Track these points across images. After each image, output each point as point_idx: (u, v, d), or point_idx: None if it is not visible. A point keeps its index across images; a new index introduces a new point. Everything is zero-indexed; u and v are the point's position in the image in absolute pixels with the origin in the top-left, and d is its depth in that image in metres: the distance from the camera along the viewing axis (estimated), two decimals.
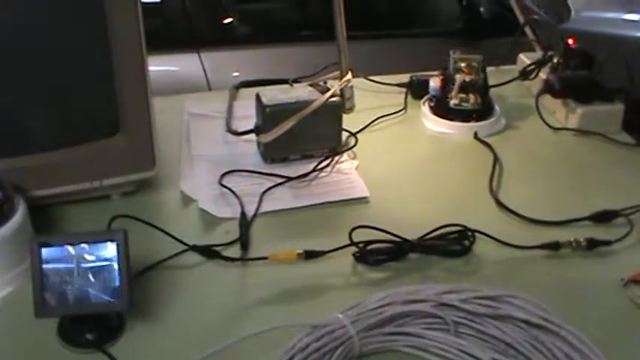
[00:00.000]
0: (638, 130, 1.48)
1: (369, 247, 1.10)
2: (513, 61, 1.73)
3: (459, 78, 1.47)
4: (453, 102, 1.49)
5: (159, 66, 2.51)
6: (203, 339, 0.95)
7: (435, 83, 1.52)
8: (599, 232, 1.15)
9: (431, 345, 0.92)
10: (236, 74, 2.53)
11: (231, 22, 2.85)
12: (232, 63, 2.66)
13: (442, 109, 1.51)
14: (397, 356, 0.93)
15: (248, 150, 1.39)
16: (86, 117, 1.16)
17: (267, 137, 1.32)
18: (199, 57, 2.64)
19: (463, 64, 1.48)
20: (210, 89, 2.53)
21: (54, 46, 1.08)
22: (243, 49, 2.73)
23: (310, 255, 1.09)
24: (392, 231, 1.11)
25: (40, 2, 1.06)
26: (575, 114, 1.47)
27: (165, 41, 2.52)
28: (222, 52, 2.71)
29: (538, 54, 1.67)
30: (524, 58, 1.68)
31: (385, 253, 1.10)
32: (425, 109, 1.54)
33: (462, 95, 1.48)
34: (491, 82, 1.52)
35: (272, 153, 1.35)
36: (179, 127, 1.48)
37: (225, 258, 1.11)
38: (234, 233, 1.16)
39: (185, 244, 1.11)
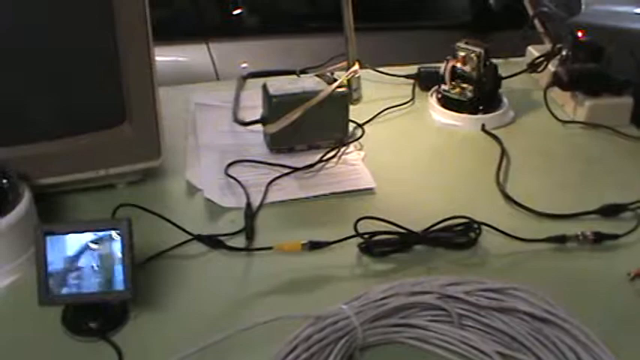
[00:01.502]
0: None
1: (375, 239, 1.10)
2: (522, 54, 1.72)
3: (449, 64, 1.48)
4: (442, 87, 1.51)
5: (167, 56, 2.51)
6: (206, 328, 0.95)
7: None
8: (607, 226, 1.15)
9: (435, 337, 0.92)
10: (244, 66, 2.53)
11: (240, 13, 2.84)
12: (240, 54, 2.65)
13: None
14: (401, 348, 0.93)
15: (254, 140, 1.38)
16: (92, 106, 1.16)
17: (274, 128, 1.31)
18: (208, 47, 2.63)
19: (462, 54, 1.47)
20: (218, 80, 2.52)
21: (61, 36, 1.08)
22: (251, 39, 2.73)
23: (315, 246, 1.09)
24: (397, 222, 1.11)
25: None
26: (583, 107, 1.46)
27: (173, 32, 2.52)
28: (230, 42, 2.71)
29: (547, 46, 1.66)
30: (533, 51, 1.68)
31: (390, 245, 1.10)
32: (432, 100, 1.53)
33: (453, 82, 1.49)
34: (500, 74, 1.52)
35: (278, 143, 1.35)
36: (186, 117, 1.48)
37: (230, 248, 1.10)
38: (240, 223, 1.16)
39: (190, 234, 1.11)
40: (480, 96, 1.48)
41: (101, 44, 1.11)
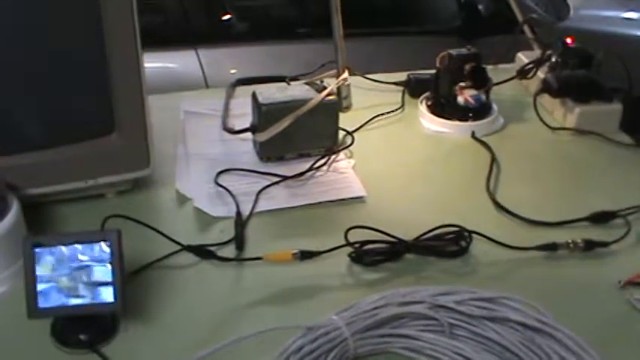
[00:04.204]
0: (636, 129, 1.47)
1: (365, 248, 1.10)
2: (512, 60, 1.72)
3: None
4: None
5: (157, 63, 2.51)
6: (197, 340, 0.95)
7: None
8: (597, 233, 1.15)
9: (426, 347, 0.92)
10: (233, 71, 2.53)
11: (229, 19, 2.84)
12: (230, 60, 2.65)
13: None
14: (392, 358, 0.93)
15: (244, 149, 1.38)
16: (81, 116, 1.15)
17: (263, 136, 1.31)
18: (197, 54, 2.63)
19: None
20: (207, 86, 2.52)
21: (49, 45, 1.08)
22: (240, 46, 2.73)
23: (305, 255, 1.08)
24: (388, 231, 1.11)
25: (35, 2, 1.05)
26: (573, 113, 1.46)
27: (163, 38, 2.51)
28: (219, 49, 2.70)
29: (536, 53, 1.66)
30: (523, 57, 1.68)
31: (381, 254, 1.10)
32: (422, 107, 1.53)
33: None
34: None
35: (268, 152, 1.34)
36: (175, 125, 1.47)
37: (219, 258, 1.10)
38: (230, 232, 1.15)
39: (179, 244, 1.11)
40: (438, 99, 1.51)
41: (89, 53, 1.11)
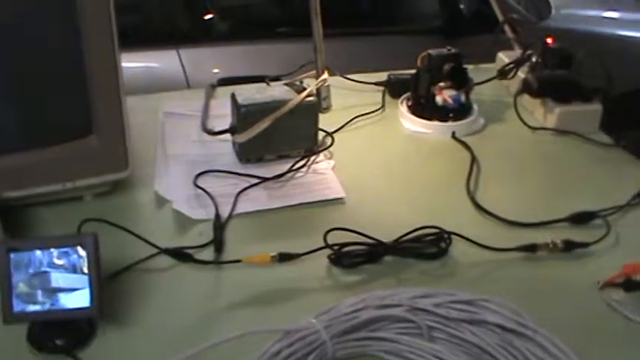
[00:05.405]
0: (616, 130, 1.47)
1: (344, 250, 1.09)
2: (493, 59, 1.72)
3: None
4: None
5: (138, 63, 2.50)
6: (175, 344, 0.94)
7: None
8: (577, 234, 1.15)
9: (404, 350, 0.91)
10: (216, 71, 2.53)
11: (210, 19, 2.83)
12: (212, 60, 2.65)
13: None
14: None
15: (223, 150, 1.37)
16: (58, 118, 1.14)
17: (243, 137, 1.30)
18: (178, 54, 2.62)
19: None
20: (189, 86, 2.51)
21: (24, 45, 1.07)
22: (222, 45, 2.72)
23: (284, 258, 1.08)
24: (367, 233, 1.11)
25: (11, 2, 1.04)
26: (553, 114, 1.46)
27: (144, 38, 2.51)
28: (201, 48, 2.70)
29: (517, 52, 1.66)
30: (503, 57, 1.68)
31: (360, 256, 1.09)
32: (403, 108, 1.53)
33: None
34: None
35: (247, 153, 1.34)
36: (155, 126, 1.46)
37: (198, 261, 1.09)
38: (208, 235, 1.15)
39: (157, 247, 1.10)
40: (417, 99, 1.51)
41: (66, 54, 1.10)
